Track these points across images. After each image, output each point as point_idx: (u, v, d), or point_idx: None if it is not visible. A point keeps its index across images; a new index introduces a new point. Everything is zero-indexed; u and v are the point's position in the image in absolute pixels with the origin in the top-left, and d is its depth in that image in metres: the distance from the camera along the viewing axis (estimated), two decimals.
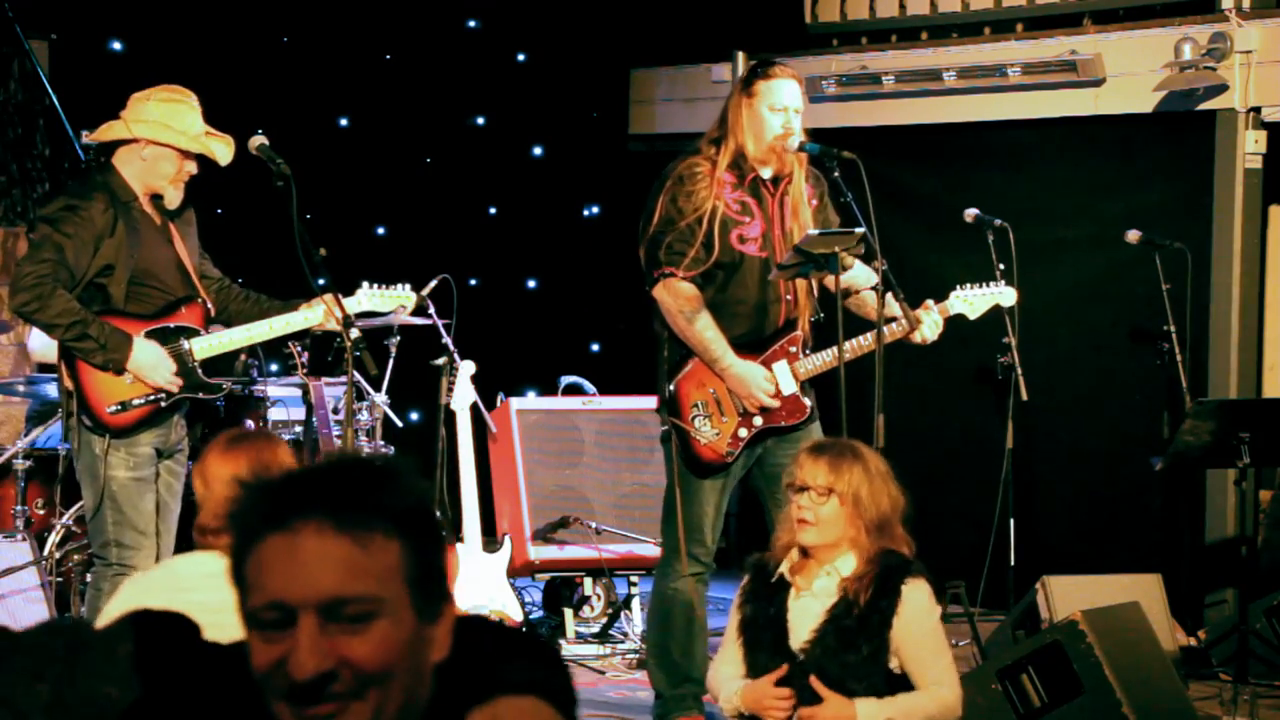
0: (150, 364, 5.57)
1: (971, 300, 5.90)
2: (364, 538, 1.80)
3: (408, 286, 6.09)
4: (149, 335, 5.61)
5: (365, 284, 5.93)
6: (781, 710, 4.16)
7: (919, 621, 4.14)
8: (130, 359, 5.53)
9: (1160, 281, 7.32)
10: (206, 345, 5.70)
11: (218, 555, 3.64)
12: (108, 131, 5.70)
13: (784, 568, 4.29)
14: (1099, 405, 8.15)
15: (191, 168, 5.71)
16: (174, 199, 5.72)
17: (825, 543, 4.19)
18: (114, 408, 5.55)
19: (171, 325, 5.67)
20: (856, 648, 4.12)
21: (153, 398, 5.59)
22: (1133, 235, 7.44)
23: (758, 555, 4.45)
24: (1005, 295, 5.98)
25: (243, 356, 6.68)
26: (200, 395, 5.71)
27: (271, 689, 1.80)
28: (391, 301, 5.98)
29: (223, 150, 5.71)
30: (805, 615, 4.22)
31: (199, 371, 5.68)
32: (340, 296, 5.53)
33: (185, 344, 5.66)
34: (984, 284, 5.94)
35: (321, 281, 5.40)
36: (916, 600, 4.13)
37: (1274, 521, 7.34)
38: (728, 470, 5.71)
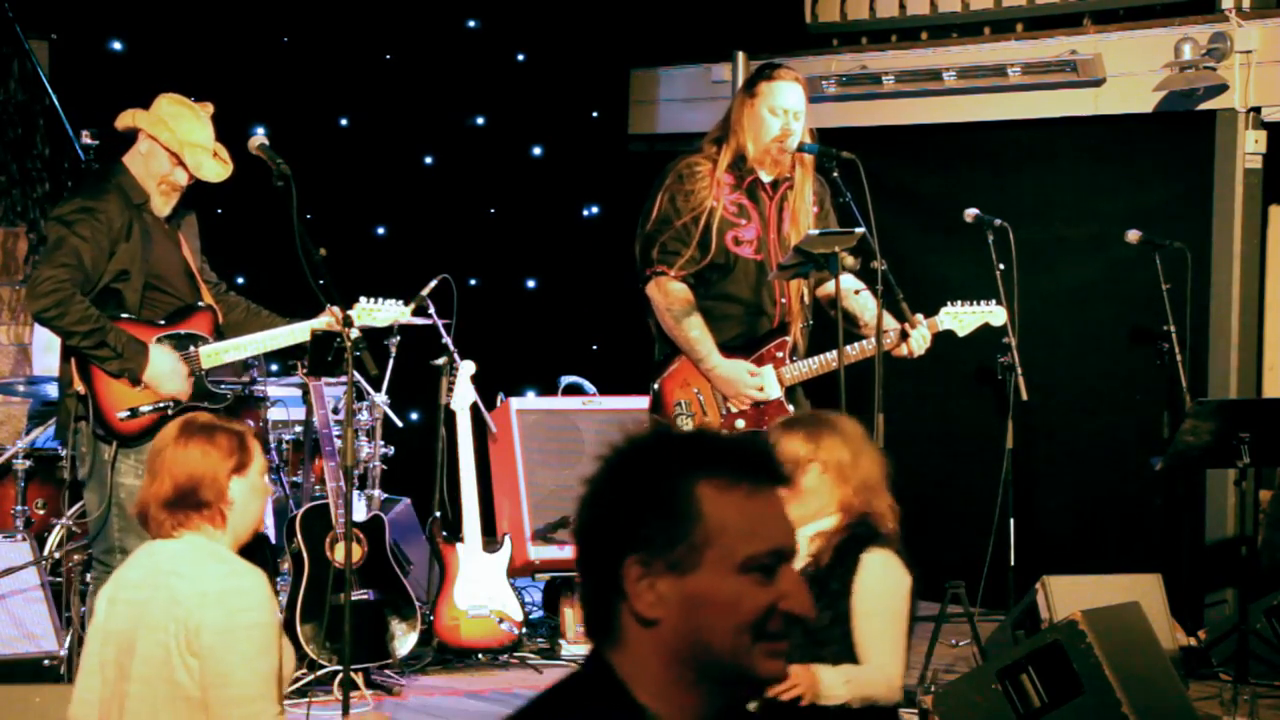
0: (166, 373, 5.56)
1: (961, 317, 5.91)
2: None
3: (400, 301, 6.10)
4: (160, 341, 5.61)
5: (362, 299, 5.93)
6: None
7: (870, 595, 4.04)
8: (147, 369, 5.52)
9: (1160, 281, 7.32)
10: (212, 353, 5.70)
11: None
12: (120, 119, 5.73)
13: None
14: (1099, 405, 8.15)
15: (180, 177, 5.68)
16: (159, 206, 5.70)
17: (807, 515, 4.09)
18: (124, 414, 5.54)
19: (182, 332, 5.66)
20: (818, 613, 4.01)
21: (161, 405, 5.58)
22: (1133, 235, 7.44)
23: None
24: (995, 315, 5.99)
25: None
26: (206, 404, 5.71)
27: (759, 632, 1.93)
28: (385, 317, 6.00)
29: (197, 161, 5.62)
30: None
31: (205, 380, 5.69)
32: (342, 309, 5.51)
33: (193, 351, 5.66)
34: (975, 302, 5.95)
35: (321, 281, 5.39)
36: (873, 571, 4.04)
37: (1274, 521, 7.34)
38: None
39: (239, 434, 3.76)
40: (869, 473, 4.13)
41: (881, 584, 4.06)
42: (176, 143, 5.61)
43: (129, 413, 5.54)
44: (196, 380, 5.66)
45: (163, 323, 5.65)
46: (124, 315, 5.57)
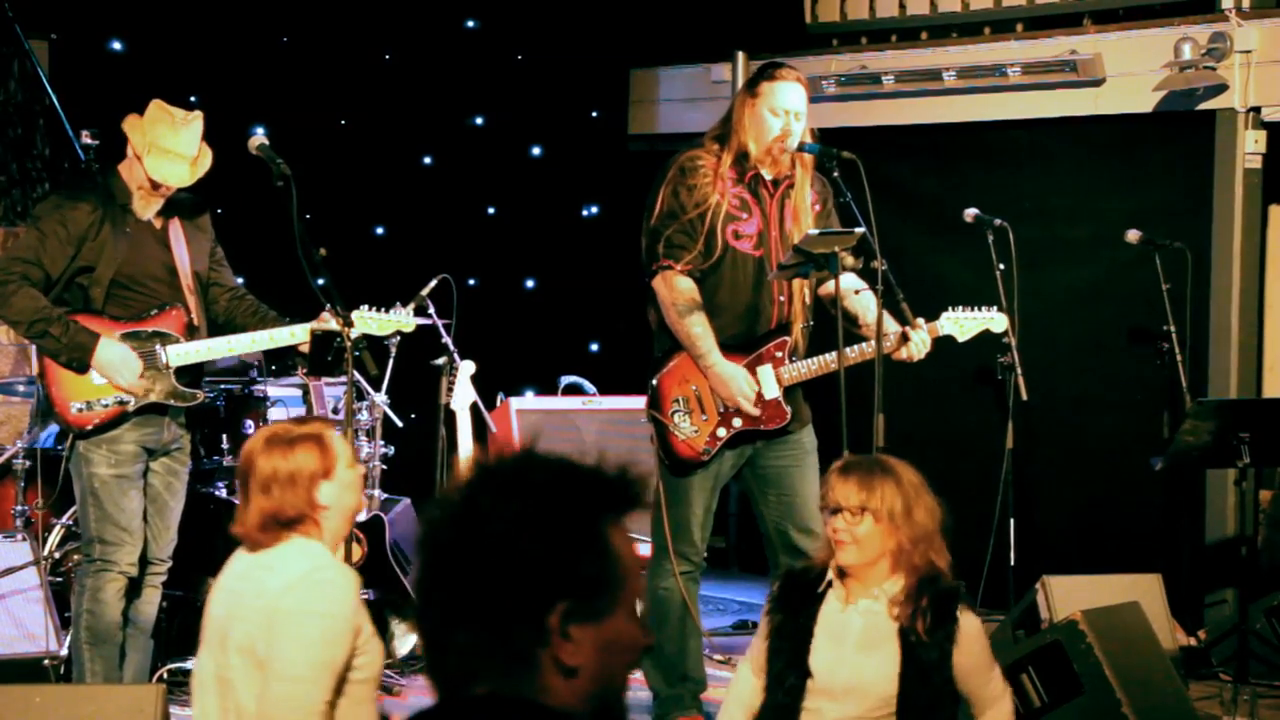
0: (114, 362, 5.56)
1: (962, 323, 5.91)
2: None
3: (408, 311, 6.08)
4: (124, 337, 5.61)
5: (365, 307, 5.93)
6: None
7: (977, 651, 4.11)
8: (94, 357, 5.54)
9: (1160, 281, 7.32)
10: (183, 353, 5.69)
11: None
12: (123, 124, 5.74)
13: (830, 577, 4.17)
14: (1099, 405, 8.15)
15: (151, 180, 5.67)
16: (140, 208, 5.69)
17: (865, 562, 4.06)
18: (79, 406, 5.58)
19: (148, 330, 5.67)
20: (931, 680, 4.03)
21: (120, 399, 5.59)
22: (1133, 235, 7.44)
23: (795, 566, 4.43)
24: (995, 321, 5.99)
25: (242, 356, 6.67)
26: (173, 402, 5.70)
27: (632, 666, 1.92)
28: (388, 327, 5.98)
29: (155, 164, 5.56)
30: (844, 630, 4.10)
31: (173, 378, 5.68)
32: (338, 310, 5.48)
33: (160, 349, 5.65)
34: (976, 308, 5.95)
35: (321, 281, 5.39)
36: (969, 629, 4.07)
37: (1274, 521, 7.34)
38: (711, 468, 5.71)
39: (316, 437, 3.80)
40: (923, 523, 4.06)
41: (978, 637, 4.12)
42: (144, 144, 5.60)
43: (84, 405, 5.58)
44: (163, 378, 5.66)
45: (127, 320, 5.65)
46: (89, 311, 5.61)
